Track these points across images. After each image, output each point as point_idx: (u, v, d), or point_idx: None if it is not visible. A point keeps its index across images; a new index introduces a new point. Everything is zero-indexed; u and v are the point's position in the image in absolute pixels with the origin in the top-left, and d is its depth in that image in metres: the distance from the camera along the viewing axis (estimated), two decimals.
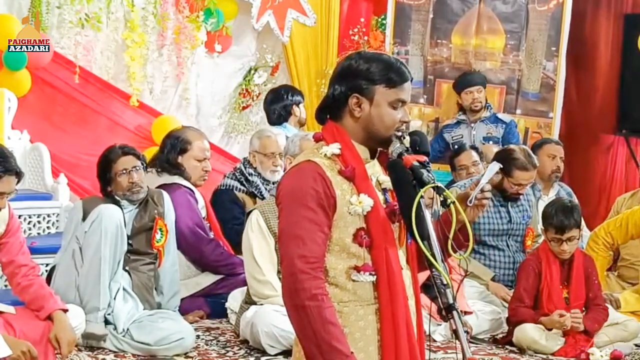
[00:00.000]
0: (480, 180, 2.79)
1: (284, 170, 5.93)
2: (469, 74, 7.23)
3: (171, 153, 5.44)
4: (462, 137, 7.02)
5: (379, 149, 2.64)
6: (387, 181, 2.62)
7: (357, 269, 2.52)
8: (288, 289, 2.46)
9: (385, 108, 2.56)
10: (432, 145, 7.20)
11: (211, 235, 5.49)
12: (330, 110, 2.62)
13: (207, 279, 5.44)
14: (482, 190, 2.69)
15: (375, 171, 2.63)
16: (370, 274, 2.52)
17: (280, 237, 2.51)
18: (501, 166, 3.13)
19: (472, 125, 7.07)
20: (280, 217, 2.53)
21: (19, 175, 3.99)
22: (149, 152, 6.08)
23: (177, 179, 5.38)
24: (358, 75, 2.55)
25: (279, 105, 6.75)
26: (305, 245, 2.44)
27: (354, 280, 2.52)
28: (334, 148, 2.56)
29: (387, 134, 2.57)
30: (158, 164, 5.46)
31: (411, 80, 2.62)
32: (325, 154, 2.55)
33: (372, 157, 2.63)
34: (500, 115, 7.19)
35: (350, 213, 2.51)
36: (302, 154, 2.66)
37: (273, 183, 5.90)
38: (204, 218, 5.48)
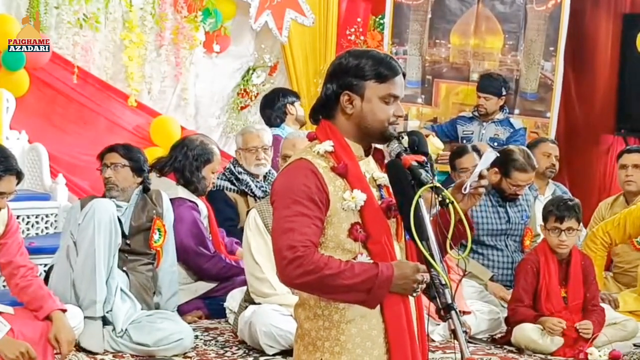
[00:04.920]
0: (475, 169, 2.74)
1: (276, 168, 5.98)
2: (485, 79, 7.21)
3: (198, 162, 5.37)
4: (471, 134, 7.09)
5: (373, 145, 2.65)
6: (382, 177, 2.63)
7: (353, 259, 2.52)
8: (285, 282, 2.48)
9: (376, 103, 2.56)
10: (441, 125, 7.32)
11: (211, 247, 5.41)
12: (323, 109, 2.63)
13: (205, 286, 5.41)
14: (479, 177, 2.65)
15: (370, 168, 2.64)
16: (367, 257, 2.51)
17: (272, 233, 2.52)
18: (497, 154, 3.12)
19: (484, 124, 7.11)
20: (273, 215, 2.54)
21: (19, 175, 3.99)
22: (148, 153, 6.07)
23: (182, 193, 5.33)
24: (348, 73, 2.57)
25: (273, 109, 6.77)
26: (294, 236, 2.44)
27: None
28: (327, 145, 2.57)
29: (381, 128, 2.57)
30: (180, 174, 5.37)
31: (404, 76, 2.62)
32: (318, 152, 2.56)
33: (367, 155, 2.64)
34: (513, 120, 7.20)
35: (343, 209, 2.52)
36: (295, 153, 2.67)
37: (265, 178, 5.91)
38: (206, 228, 5.44)
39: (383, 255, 2.52)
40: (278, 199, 2.52)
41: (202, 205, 5.44)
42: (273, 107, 6.77)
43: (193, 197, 5.38)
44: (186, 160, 5.39)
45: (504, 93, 7.13)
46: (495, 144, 6.91)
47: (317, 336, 2.55)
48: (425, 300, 2.55)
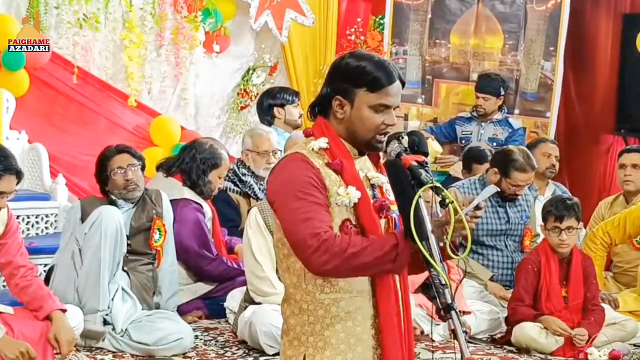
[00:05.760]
0: (474, 199, 2.72)
1: None
2: (483, 79, 7.20)
3: (205, 166, 5.36)
4: (470, 134, 7.12)
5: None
6: (376, 177, 2.63)
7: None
8: (312, 270, 2.46)
9: (365, 111, 2.55)
10: (440, 126, 7.32)
11: (214, 249, 5.40)
12: (319, 108, 2.64)
13: (205, 286, 5.41)
14: (477, 208, 2.64)
15: (365, 167, 2.64)
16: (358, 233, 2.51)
17: (287, 227, 2.49)
18: (498, 190, 3.10)
19: (483, 124, 7.12)
20: (278, 212, 2.52)
21: (19, 175, 3.99)
22: (148, 153, 6.08)
23: (188, 194, 5.33)
24: (341, 77, 2.57)
25: (260, 109, 6.75)
26: (314, 224, 2.43)
27: None
28: (322, 142, 2.57)
29: (368, 136, 2.57)
30: (186, 176, 5.36)
31: (403, 84, 2.59)
32: (313, 148, 2.57)
33: (362, 154, 2.64)
34: (512, 120, 7.20)
35: (337, 204, 2.51)
36: (290, 149, 2.66)
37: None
38: (210, 230, 5.44)
39: None
40: (280, 194, 2.51)
41: (207, 208, 5.43)
42: (261, 107, 6.76)
43: (198, 199, 5.37)
44: (193, 163, 5.37)
45: (502, 93, 7.13)
46: (494, 144, 6.92)
47: (301, 331, 2.55)
48: (424, 299, 2.55)
